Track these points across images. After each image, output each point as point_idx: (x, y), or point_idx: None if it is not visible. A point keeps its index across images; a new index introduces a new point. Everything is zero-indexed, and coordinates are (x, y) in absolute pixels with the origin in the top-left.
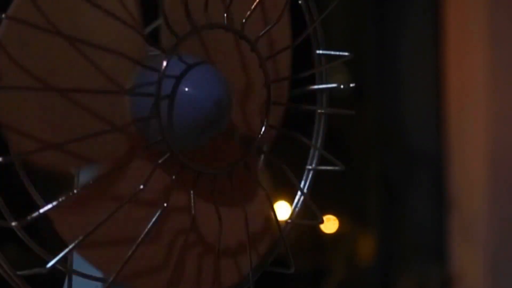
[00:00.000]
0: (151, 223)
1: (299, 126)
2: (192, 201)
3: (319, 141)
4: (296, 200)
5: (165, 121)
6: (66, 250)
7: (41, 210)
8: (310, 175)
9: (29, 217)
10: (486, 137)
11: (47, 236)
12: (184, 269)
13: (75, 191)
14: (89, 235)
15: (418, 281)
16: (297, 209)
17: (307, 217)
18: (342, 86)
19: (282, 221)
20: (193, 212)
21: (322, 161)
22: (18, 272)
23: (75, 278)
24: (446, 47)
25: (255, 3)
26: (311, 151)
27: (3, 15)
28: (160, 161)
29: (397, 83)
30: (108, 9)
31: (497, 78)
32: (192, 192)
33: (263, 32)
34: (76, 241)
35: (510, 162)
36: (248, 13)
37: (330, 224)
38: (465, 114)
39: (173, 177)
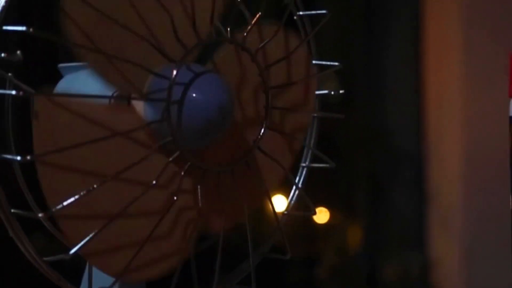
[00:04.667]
0: (162, 215)
1: None
2: (199, 195)
3: (312, 141)
4: (291, 194)
5: (175, 124)
6: (87, 238)
7: (65, 203)
8: (304, 172)
9: (54, 209)
10: (461, 137)
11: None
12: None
13: (94, 186)
14: (105, 226)
15: (401, 266)
16: (292, 202)
17: (301, 209)
18: (333, 93)
19: (279, 213)
20: (200, 205)
21: (315, 159)
22: (44, 258)
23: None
24: (425, 58)
25: (254, 19)
26: (305, 150)
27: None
28: (170, 159)
29: (382, 90)
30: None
31: (471, 85)
32: (199, 187)
33: (262, 44)
34: (96, 231)
35: (483, 160)
36: (249, 27)
37: (322, 216)
38: (442, 117)
39: (182, 173)
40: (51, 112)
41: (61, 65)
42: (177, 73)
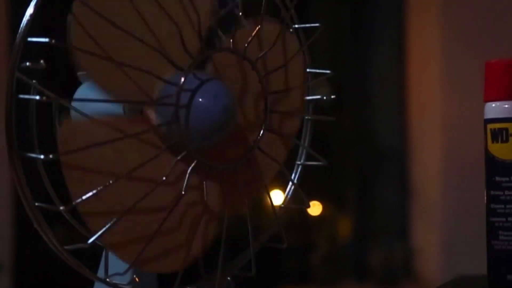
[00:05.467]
0: (170, 208)
1: None
2: (205, 190)
3: (307, 141)
4: (287, 189)
5: (183, 126)
6: (104, 229)
7: (84, 197)
8: (299, 169)
9: (74, 203)
10: (441, 138)
11: None
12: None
13: (110, 181)
14: (120, 218)
15: (386, 254)
16: (288, 196)
17: (296, 202)
18: (325, 98)
19: (276, 206)
20: (205, 198)
21: (308, 157)
22: (65, 247)
23: (111, 253)
24: (408, 66)
25: (255, 31)
26: (300, 149)
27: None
28: (179, 158)
29: (369, 95)
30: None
31: (449, 91)
32: (204, 182)
33: (261, 54)
34: (112, 222)
35: (461, 158)
36: (250, 39)
37: (315, 208)
38: (424, 119)
39: (189, 170)
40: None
41: (80, 73)
42: (184, 80)
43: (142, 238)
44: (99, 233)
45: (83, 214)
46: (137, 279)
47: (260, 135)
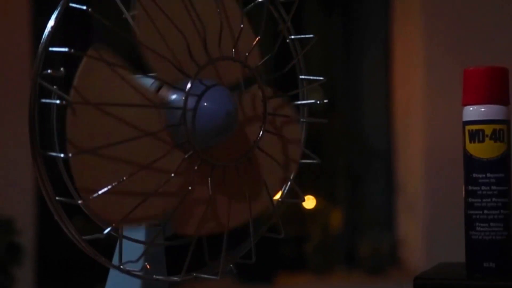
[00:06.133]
0: (179, 201)
1: None
2: (210, 185)
3: (302, 141)
4: (285, 185)
5: (190, 127)
6: (120, 219)
7: (100, 192)
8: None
9: (91, 197)
10: (424, 138)
11: None
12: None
13: (124, 178)
14: (133, 210)
15: (373, 244)
16: (285, 191)
17: (293, 197)
18: (318, 102)
19: (275, 200)
20: (210, 193)
21: (304, 156)
22: (83, 237)
23: (124, 242)
24: (393, 74)
25: (255, 41)
26: None
27: None
28: (186, 156)
29: (358, 100)
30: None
31: (431, 96)
32: (209, 179)
33: (260, 62)
34: (126, 214)
35: (441, 157)
36: (250, 50)
37: (309, 202)
38: (408, 122)
39: (195, 167)
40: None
41: None
42: (191, 86)
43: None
44: (114, 224)
45: (99, 207)
46: (148, 266)
47: (260, 135)
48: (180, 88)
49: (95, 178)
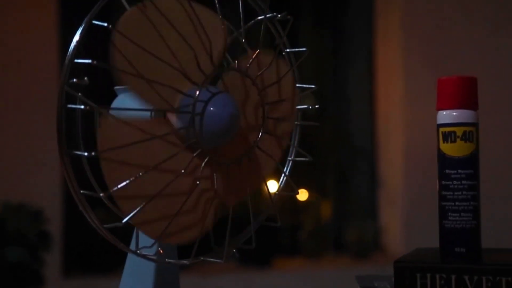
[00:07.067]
0: (188, 194)
1: None
2: (215, 181)
3: (296, 141)
4: (281, 180)
5: (198, 129)
6: (135, 211)
7: (119, 186)
8: (290, 164)
9: (111, 190)
10: (403, 139)
11: None
12: (207, 214)
13: (140, 174)
14: (148, 202)
15: (359, 232)
16: (281, 185)
17: (288, 190)
18: (310, 107)
19: (272, 193)
20: (215, 187)
21: (298, 154)
22: (105, 226)
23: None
24: (376, 82)
25: (254, 55)
26: (291, 148)
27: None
28: (194, 155)
29: (345, 105)
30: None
31: (409, 101)
32: (215, 174)
33: (260, 72)
34: (141, 205)
35: (418, 156)
36: (250, 60)
37: (303, 195)
38: (389, 124)
39: (203, 164)
40: (110, 122)
41: (116, 87)
42: (199, 93)
43: (165, 217)
44: (131, 214)
45: (118, 199)
46: (161, 251)
47: (259, 136)
48: (189, 95)
49: (119, 174)
